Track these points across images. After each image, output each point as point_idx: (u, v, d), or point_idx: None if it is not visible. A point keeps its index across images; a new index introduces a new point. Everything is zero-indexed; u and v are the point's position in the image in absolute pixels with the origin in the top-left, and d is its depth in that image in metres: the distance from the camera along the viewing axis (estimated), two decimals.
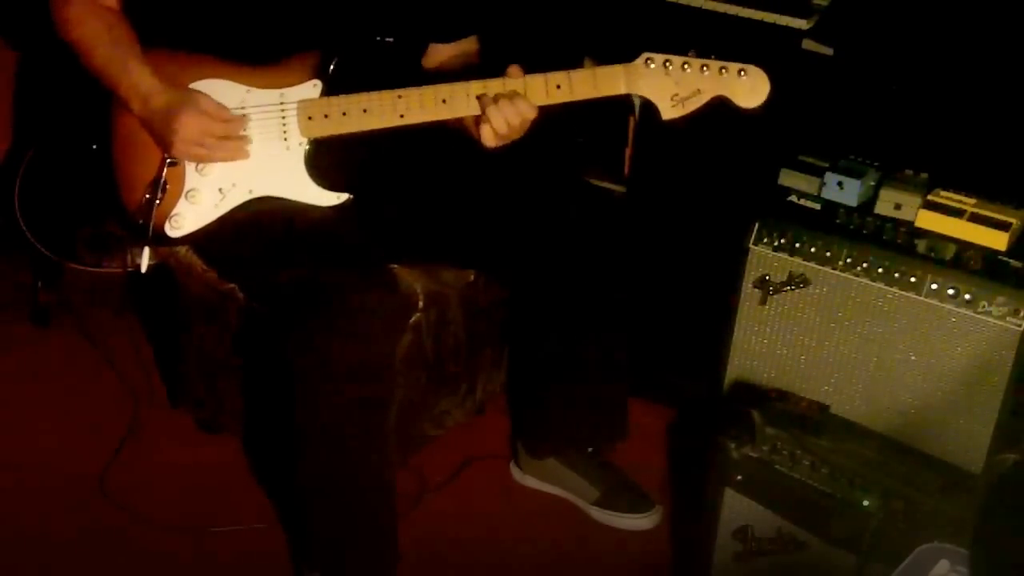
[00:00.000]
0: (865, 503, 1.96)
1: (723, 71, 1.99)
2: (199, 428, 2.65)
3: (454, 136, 2.18)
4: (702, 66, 2.00)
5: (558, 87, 2.04)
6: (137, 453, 2.59)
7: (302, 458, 2.14)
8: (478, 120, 2.07)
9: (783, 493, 2.05)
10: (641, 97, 2.05)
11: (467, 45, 2.39)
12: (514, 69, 2.06)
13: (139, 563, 2.34)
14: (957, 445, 2.16)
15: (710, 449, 2.11)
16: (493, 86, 2.06)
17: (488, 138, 2.07)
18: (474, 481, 2.58)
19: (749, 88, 1.99)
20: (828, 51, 2.51)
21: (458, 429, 2.60)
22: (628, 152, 2.91)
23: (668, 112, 2.03)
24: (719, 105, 2.02)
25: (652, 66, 2.01)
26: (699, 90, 2.01)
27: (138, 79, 2.10)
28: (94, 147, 2.19)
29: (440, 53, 2.37)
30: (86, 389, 2.80)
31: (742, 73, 1.99)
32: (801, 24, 2.51)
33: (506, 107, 2.03)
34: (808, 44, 2.52)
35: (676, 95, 2.01)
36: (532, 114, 2.05)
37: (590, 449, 2.51)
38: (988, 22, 2.37)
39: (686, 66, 2.00)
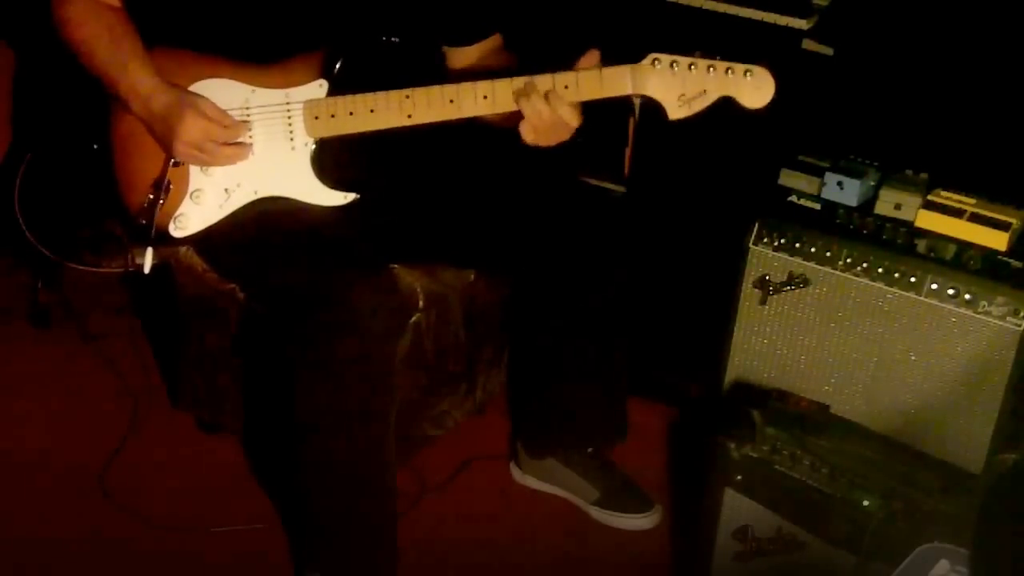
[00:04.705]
0: (865, 503, 1.96)
1: (729, 72, 1.98)
2: (199, 428, 2.65)
3: (455, 137, 2.18)
4: (708, 66, 1.99)
5: (566, 87, 2.04)
6: (137, 453, 2.59)
7: (302, 458, 2.14)
8: (510, 118, 2.07)
9: (783, 493, 2.05)
10: (646, 97, 2.04)
11: (490, 48, 2.37)
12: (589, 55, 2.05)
13: (139, 563, 2.34)
14: (957, 445, 2.16)
15: (710, 449, 2.11)
16: (501, 86, 2.05)
17: (526, 132, 2.06)
18: (474, 481, 2.58)
19: (755, 88, 1.98)
20: (828, 51, 2.51)
21: (458, 429, 2.60)
22: (628, 152, 2.91)
23: (675, 112, 2.03)
24: (719, 105, 2.02)
25: (659, 66, 2.01)
26: (705, 90, 2.00)
27: (138, 80, 2.10)
28: (95, 147, 2.19)
29: (465, 57, 2.36)
30: (86, 389, 2.80)
31: (748, 74, 1.98)
32: (801, 24, 2.51)
33: (538, 101, 2.02)
34: (808, 44, 2.52)
35: (683, 95, 2.01)
36: (567, 111, 2.03)
37: (590, 449, 2.51)
38: (988, 22, 2.37)
39: (692, 66, 2.00)
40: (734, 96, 2.00)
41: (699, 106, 2.02)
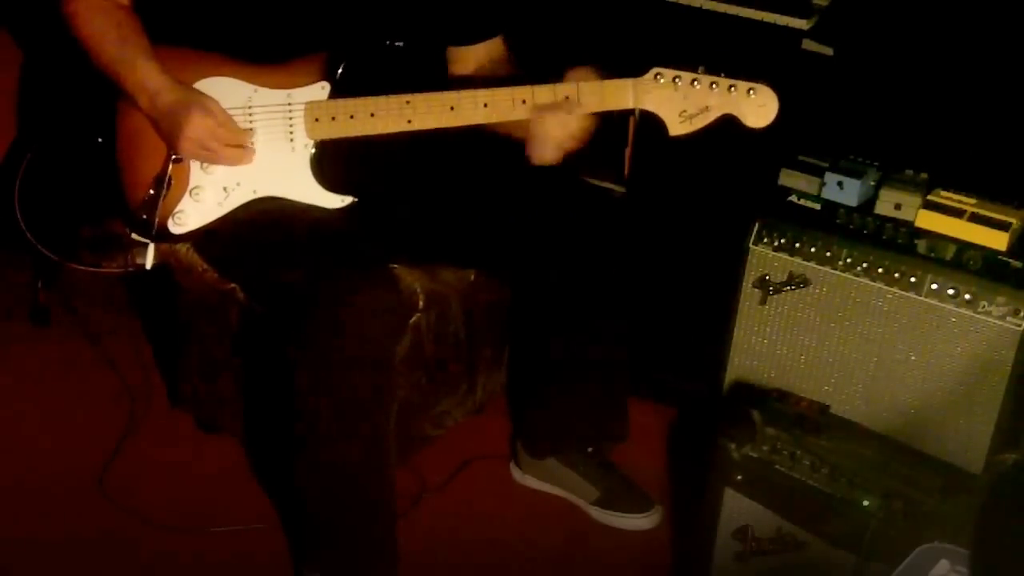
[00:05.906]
0: (865, 503, 1.96)
1: (732, 89, 1.97)
2: (199, 428, 2.65)
3: (455, 138, 2.18)
4: (711, 83, 1.98)
5: (566, 98, 2.03)
6: (137, 453, 2.59)
7: (301, 458, 2.14)
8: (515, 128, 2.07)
9: (783, 493, 2.05)
10: (646, 112, 2.03)
11: (494, 55, 2.36)
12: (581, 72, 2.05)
13: (139, 563, 2.34)
14: (957, 445, 2.16)
15: (710, 449, 2.11)
16: (501, 95, 2.05)
17: (536, 149, 2.07)
18: (474, 481, 2.58)
19: (758, 107, 1.97)
20: (828, 51, 2.51)
21: (458, 429, 2.60)
22: (628, 152, 2.91)
23: (676, 128, 2.02)
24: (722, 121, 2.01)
25: (661, 81, 2.00)
26: (707, 107, 1.99)
27: (145, 76, 2.11)
28: (99, 140, 2.20)
29: (468, 61, 2.36)
30: (86, 389, 2.80)
31: (751, 92, 1.97)
32: (801, 24, 2.50)
33: (549, 118, 2.03)
34: (808, 44, 2.52)
35: (684, 111, 2.00)
36: (575, 123, 2.04)
37: (590, 449, 2.51)
38: (988, 22, 2.37)
39: (695, 82, 1.99)
40: (736, 115, 1.99)
41: (700, 123, 2.01)
